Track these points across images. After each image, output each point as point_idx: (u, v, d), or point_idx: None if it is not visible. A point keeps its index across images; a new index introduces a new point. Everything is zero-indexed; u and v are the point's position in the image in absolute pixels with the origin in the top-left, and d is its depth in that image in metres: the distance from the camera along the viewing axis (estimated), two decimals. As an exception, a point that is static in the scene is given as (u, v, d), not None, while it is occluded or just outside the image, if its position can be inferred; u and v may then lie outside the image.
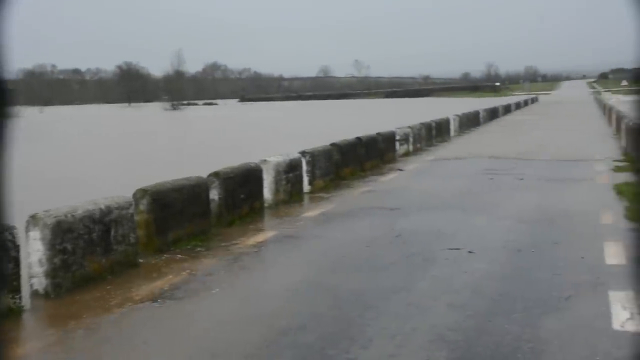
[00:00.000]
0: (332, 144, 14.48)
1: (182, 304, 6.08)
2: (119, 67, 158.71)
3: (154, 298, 6.24)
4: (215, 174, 9.64)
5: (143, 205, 7.77)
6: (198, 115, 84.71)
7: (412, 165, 17.61)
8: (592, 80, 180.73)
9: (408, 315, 5.56)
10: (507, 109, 51.86)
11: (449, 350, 4.76)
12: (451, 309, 5.72)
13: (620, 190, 11.95)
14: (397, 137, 19.67)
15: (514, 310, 5.66)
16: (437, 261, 7.43)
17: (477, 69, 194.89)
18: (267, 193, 11.17)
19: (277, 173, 11.46)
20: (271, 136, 36.39)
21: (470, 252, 7.77)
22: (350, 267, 7.30)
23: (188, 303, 6.12)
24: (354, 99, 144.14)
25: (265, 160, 11.36)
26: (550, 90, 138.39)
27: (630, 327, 5.15)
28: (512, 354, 4.68)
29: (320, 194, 12.54)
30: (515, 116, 47.40)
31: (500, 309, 5.71)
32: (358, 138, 16.19)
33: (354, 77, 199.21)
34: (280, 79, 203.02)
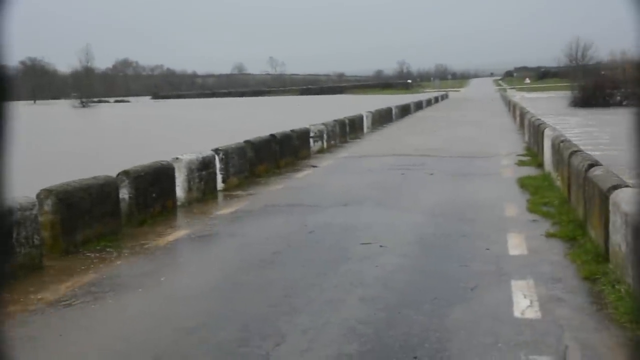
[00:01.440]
0: (246, 142, 14.42)
1: (88, 307, 5.91)
2: (23, 62, 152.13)
3: (57, 301, 6.04)
4: (125, 173, 9.43)
5: (47, 205, 7.51)
6: (109, 112, 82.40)
7: (326, 162, 17.76)
8: (498, 78, 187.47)
9: (321, 310, 5.62)
10: (419, 106, 53.12)
11: (360, 343, 4.85)
12: (363, 302, 5.82)
13: (523, 183, 12.48)
14: (312, 134, 19.80)
15: (423, 301, 5.81)
16: (350, 256, 7.54)
17: (389, 67, 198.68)
18: (180, 191, 11.02)
19: (190, 171, 11.31)
20: (184, 134, 35.84)
21: (382, 246, 7.92)
22: (264, 264, 7.31)
23: (95, 305, 5.95)
24: (269, 96, 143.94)
25: (177, 158, 11.20)
26: (459, 87, 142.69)
27: (530, 314, 5.40)
28: (420, 344, 4.81)
29: (235, 192, 12.47)
30: (426, 112, 48.61)
31: (409, 301, 5.86)
32: (272, 135, 16.19)
33: (268, 74, 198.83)
34: (194, 75, 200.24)
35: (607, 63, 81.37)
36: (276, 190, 12.89)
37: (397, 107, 40.02)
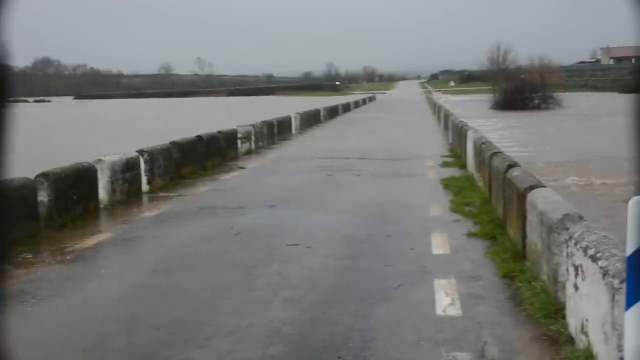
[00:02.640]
0: (172, 143, 14.20)
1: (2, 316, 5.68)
2: None
3: (-27, 309, 5.78)
4: (44, 175, 9.12)
5: (-40, 209, 7.17)
6: (28, 113, 79.53)
7: (254, 163, 17.69)
8: (424, 80, 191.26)
9: (246, 312, 5.59)
10: (347, 108, 53.62)
11: (284, 345, 4.85)
12: (288, 303, 5.83)
13: (447, 184, 12.78)
14: (239, 135, 19.69)
15: (348, 301, 5.87)
16: (277, 257, 7.53)
17: (318, 69, 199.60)
18: (103, 194, 10.75)
19: (113, 173, 11.05)
20: (108, 135, 34.99)
21: (308, 247, 7.95)
22: (189, 267, 7.21)
23: (8, 313, 5.72)
24: (197, 96, 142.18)
25: (100, 160, 10.92)
26: (387, 89, 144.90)
27: (451, 312, 5.53)
28: (344, 343, 4.85)
29: (160, 194, 12.26)
30: (354, 114, 49.12)
31: (334, 301, 5.90)
32: (199, 136, 16.01)
33: (196, 74, 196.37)
34: (120, 75, 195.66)
35: (526, 67, 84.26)
36: (202, 192, 12.75)
37: (325, 108, 40.27)
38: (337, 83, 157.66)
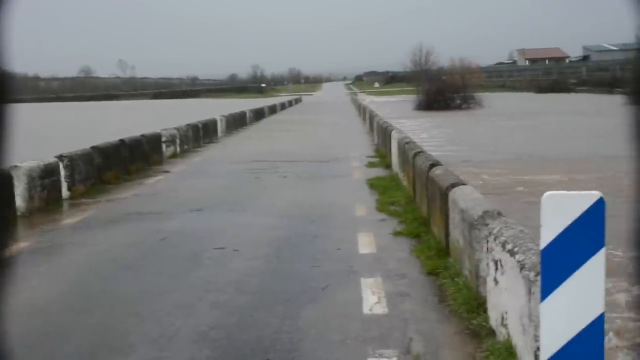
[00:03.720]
0: (93, 147, 13.83)
1: None
2: None
3: None
4: (-44, 183, 8.71)
5: None
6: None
7: (179, 167, 17.44)
8: (350, 82, 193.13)
9: (172, 318, 5.51)
10: (273, 110, 53.56)
11: (211, 349, 4.81)
12: (215, 307, 5.78)
13: (372, 184, 12.95)
14: (164, 139, 19.35)
15: (276, 303, 5.87)
16: (203, 261, 7.45)
17: (243, 71, 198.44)
18: (20, 201, 10.37)
19: (31, 179, 10.68)
20: (26, 140, 33.72)
21: (235, 250, 7.90)
22: (112, 274, 7.04)
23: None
24: (120, 100, 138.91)
25: (16, 166, 10.53)
26: (312, 91, 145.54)
27: (378, 310, 5.61)
28: (272, 345, 4.85)
29: (82, 200, 11.92)
30: (280, 116, 49.10)
31: (262, 303, 5.89)
32: (121, 140, 15.65)
33: (118, 77, 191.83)
34: (37, 78, 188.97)
35: (448, 68, 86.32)
36: (126, 197, 12.47)
37: (251, 110, 40.12)
38: (263, 85, 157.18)
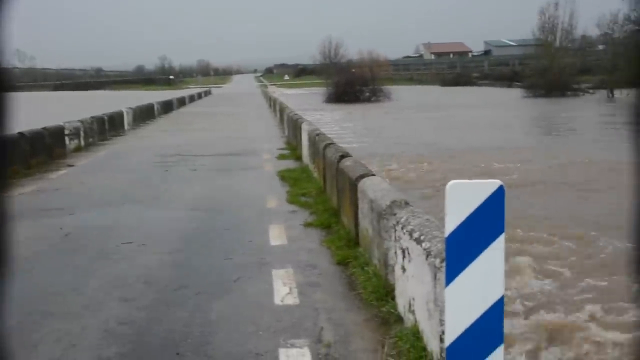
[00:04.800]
0: (-10, 140, 13.16)
1: None
2: None
3: None
4: None
5: None
6: None
7: (84, 160, 16.88)
8: (260, 74, 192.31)
9: (78, 315, 5.34)
10: (182, 102, 52.66)
11: (119, 345, 4.70)
12: (123, 303, 5.64)
13: (283, 176, 12.98)
14: (67, 132, 18.66)
15: (186, 297, 5.80)
16: (110, 257, 7.26)
17: (151, 62, 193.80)
18: None
19: None
20: None
21: (144, 244, 7.74)
22: (14, 272, 6.74)
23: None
24: (19, 91, 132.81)
25: None
26: (222, 83, 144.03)
27: (289, 301, 5.64)
28: (183, 339, 4.79)
29: (-22, 196, 11.32)
30: (190, 108, 48.34)
31: (172, 297, 5.80)
32: (20, 133, 14.98)
33: (16, 68, 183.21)
34: None
35: (357, 61, 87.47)
36: (27, 192, 11.95)
37: (159, 103, 39.27)
38: (171, 77, 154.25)
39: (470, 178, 3.34)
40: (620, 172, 16.42)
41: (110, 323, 5.14)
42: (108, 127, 23.73)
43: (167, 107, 42.46)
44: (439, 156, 19.71)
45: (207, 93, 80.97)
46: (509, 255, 7.08)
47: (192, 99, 61.78)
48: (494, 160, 18.66)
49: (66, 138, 18.50)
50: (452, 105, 48.03)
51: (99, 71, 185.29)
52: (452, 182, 3.29)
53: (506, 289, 3.47)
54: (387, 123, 33.46)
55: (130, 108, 29.27)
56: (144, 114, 32.72)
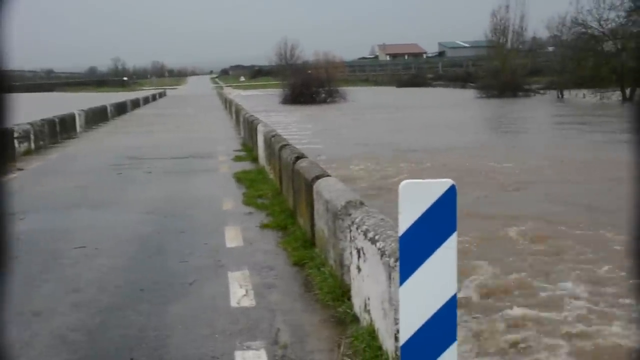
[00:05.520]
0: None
1: None
2: None
3: None
4: None
5: None
6: None
7: (34, 164, 16.51)
8: (216, 76, 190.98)
9: (27, 322, 5.22)
10: (136, 104, 51.96)
11: (70, 352, 4.61)
12: (75, 308, 5.54)
13: (239, 178, 12.92)
14: (16, 135, 18.23)
15: (141, 301, 5.72)
16: (62, 262, 7.12)
17: (103, 64, 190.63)
18: None
19: None
20: None
21: (96, 249, 7.62)
22: (-39, 280, 6.56)
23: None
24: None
25: None
26: (177, 85, 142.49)
27: (246, 303, 5.62)
28: (137, 344, 4.73)
29: None
30: (144, 110, 47.74)
31: (126, 302, 5.72)
32: (-32, 136, 14.57)
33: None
34: None
35: (313, 63, 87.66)
36: (-25, 197, 11.61)
37: (112, 105, 38.66)
38: (125, 78, 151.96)
39: (433, 177, 3.38)
40: (568, 164, 16.83)
41: (62, 330, 5.04)
42: (59, 129, 23.25)
43: (121, 109, 41.85)
44: (395, 156, 19.88)
45: (162, 95, 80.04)
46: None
47: (146, 100, 61.01)
48: (451, 159, 18.92)
49: (15, 141, 18.07)
50: (408, 106, 48.51)
51: (49, 73, 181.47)
52: (404, 181, 3.32)
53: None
54: (343, 124, 33.60)
55: (82, 110, 28.75)
56: (97, 117, 32.18)
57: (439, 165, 18.09)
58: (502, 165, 18.29)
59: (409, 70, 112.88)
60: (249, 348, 4.62)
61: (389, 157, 19.72)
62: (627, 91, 48.60)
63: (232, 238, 8.04)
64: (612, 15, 50.02)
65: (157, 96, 73.87)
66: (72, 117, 26.34)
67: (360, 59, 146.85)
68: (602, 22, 50.74)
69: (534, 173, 16.92)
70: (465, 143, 23.47)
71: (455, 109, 44.55)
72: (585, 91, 51.14)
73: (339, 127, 31.81)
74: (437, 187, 3.33)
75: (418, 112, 40.80)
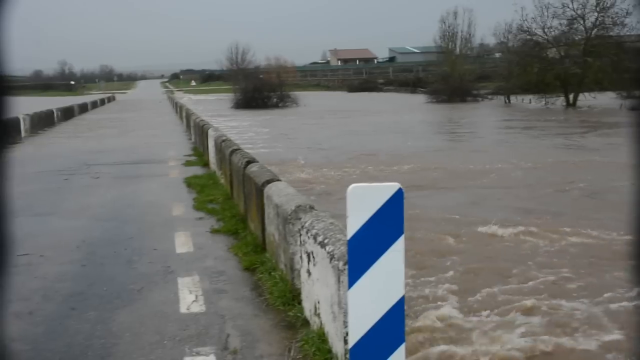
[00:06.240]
0: None
1: None
2: None
3: None
4: None
5: None
6: None
7: (-23, 169, 16.01)
8: (166, 80, 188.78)
9: (-31, 333, 5.06)
10: (84, 108, 51.01)
11: (14, 362, 4.49)
12: (18, 318, 5.38)
13: (190, 183, 12.80)
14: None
15: (87, 309, 5.61)
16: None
17: (50, 67, 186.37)
18: None
19: None
20: None
21: (41, 256, 7.44)
22: None
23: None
24: None
25: None
26: (126, 89, 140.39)
27: (195, 308, 5.57)
28: (83, 353, 4.63)
29: None
30: (92, 115, 46.91)
31: (72, 310, 5.60)
32: None
33: None
34: None
35: (264, 67, 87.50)
36: None
37: (59, 109, 37.86)
38: (72, 82, 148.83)
39: (381, 181, 3.41)
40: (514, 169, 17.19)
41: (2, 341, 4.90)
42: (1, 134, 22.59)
43: (68, 113, 41.02)
44: (347, 160, 19.98)
45: (111, 99, 78.73)
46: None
47: (94, 105, 59.97)
48: (404, 163, 19.10)
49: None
50: (359, 110, 48.83)
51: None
52: (352, 185, 3.34)
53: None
54: (296, 128, 33.61)
55: (27, 114, 28.06)
56: (43, 121, 31.46)
57: (394, 169, 18.25)
58: (468, 166, 18.58)
59: (360, 75, 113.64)
60: (198, 354, 4.58)
61: (343, 161, 19.81)
62: (571, 97, 49.95)
63: (182, 243, 7.95)
64: (555, 23, 51.37)
65: (106, 100, 72.62)
66: (16, 121, 25.66)
67: (311, 63, 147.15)
68: (546, 30, 52.07)
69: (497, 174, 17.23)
70: (420, 147, 23.75)
71: (407, 113, 45.06)
72: (531, 96, 52.33)
73: (291, 131, 31.82)
74: (384, 190, 3.36)
75: (370, 117, 41.11)
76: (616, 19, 48.80)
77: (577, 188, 14.92)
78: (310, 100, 60.50)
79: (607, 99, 47.16)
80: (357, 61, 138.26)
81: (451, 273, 8.43)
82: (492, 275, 8.42)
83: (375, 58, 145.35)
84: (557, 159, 19.99)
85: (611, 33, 49.35)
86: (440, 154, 21.56)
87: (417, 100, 61.42)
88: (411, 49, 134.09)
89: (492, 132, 31.19)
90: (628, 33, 49.03)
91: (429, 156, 20.85)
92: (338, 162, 19.61)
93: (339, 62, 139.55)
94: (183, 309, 5.56)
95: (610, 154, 20.93)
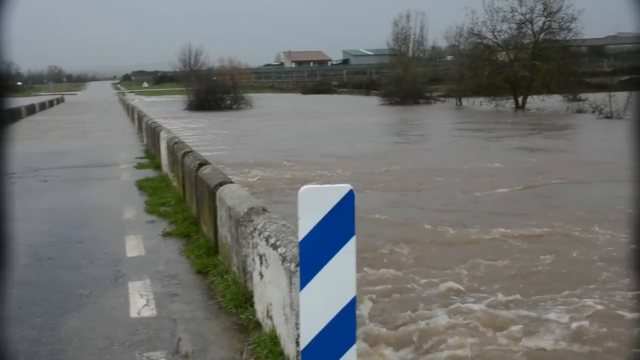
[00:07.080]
0: None
1: None
2: None
3: None
4: None
5: None
6: None
7: None
8: (117, 81, 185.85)
9: None
10: (31, 110, 49.87)
11: (-43, 372, 4.36)
12: (-39, 326, 5.24)
13: (142, 185, 12.62)
14: None
15: (33, 315, 5.48)
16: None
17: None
18: None
19: None
20: None
21: (-14, 262, 7.23)
22: None
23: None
24: None
25: None
26: (76, 90, 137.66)
27: (146, 313, 5.49)
28: (29, 360, 4.53)
29: None
30: (40, 117, 45.89)
31: (18, 316, 5.45)
32: None
33: None
34: None
35: (218, 69, 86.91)
36: None
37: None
38: (19, 83, 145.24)
39: (333, 183, 3.41)
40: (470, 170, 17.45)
41: (-53, 348, 4.75)
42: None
43: (14, 115, 40.03)
44: (299, 162, 19.98)
45: (60, 101, 77.08)
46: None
47: (42, 106, 58.63)
48: (359, 166, 19.20)
49: None
50: (313, 112, 48.89)
51: None
52: (304, 187, 3.35)
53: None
54: (247, 130, 33.46)
55: (-30, 116, 27.24)
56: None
57: (348, 170, 18.32)
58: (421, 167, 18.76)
59: (314, 77, 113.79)
60: (149, 359, 4.51)
61: (297, 163, 19.80)
62: (520, 99, 50.97)
63: (133, 247, 7.84)
64: (505, 27, 52.34)
65: (55, 102, 71.11)
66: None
67: (265, 65, 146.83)
68: (495, 34, 52.99)
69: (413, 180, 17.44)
70: (376, 148, 23.90)
71: (359, 115, 45.31)
72: (482, 99, 53.19)
73: (243, 133, 31.66)
74: (335, 192, 3.37)
75: (324, 119, 41.20)
76: (562, 23, 49.96)
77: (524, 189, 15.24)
78: (264, 102, 60.35)
79: (554, 102, 48.28)
80: (311, 63, 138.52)
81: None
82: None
83: (329, 60, 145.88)
84: (507, 160, 20.37)
85: (558, 37, 50.52)
86: (391, 156, 21.75)
87: (371, 103, 61.82)
88: (365, 51, 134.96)
89: (444, 135, 31.61)
90: (574, 37, 50.32)
91: (379, 158, 21.00)
92: (291, 164, 19.58)
93: (293, 64, 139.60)
94: (134, 314, 5.48)
95: (558, 155, 21.44)
